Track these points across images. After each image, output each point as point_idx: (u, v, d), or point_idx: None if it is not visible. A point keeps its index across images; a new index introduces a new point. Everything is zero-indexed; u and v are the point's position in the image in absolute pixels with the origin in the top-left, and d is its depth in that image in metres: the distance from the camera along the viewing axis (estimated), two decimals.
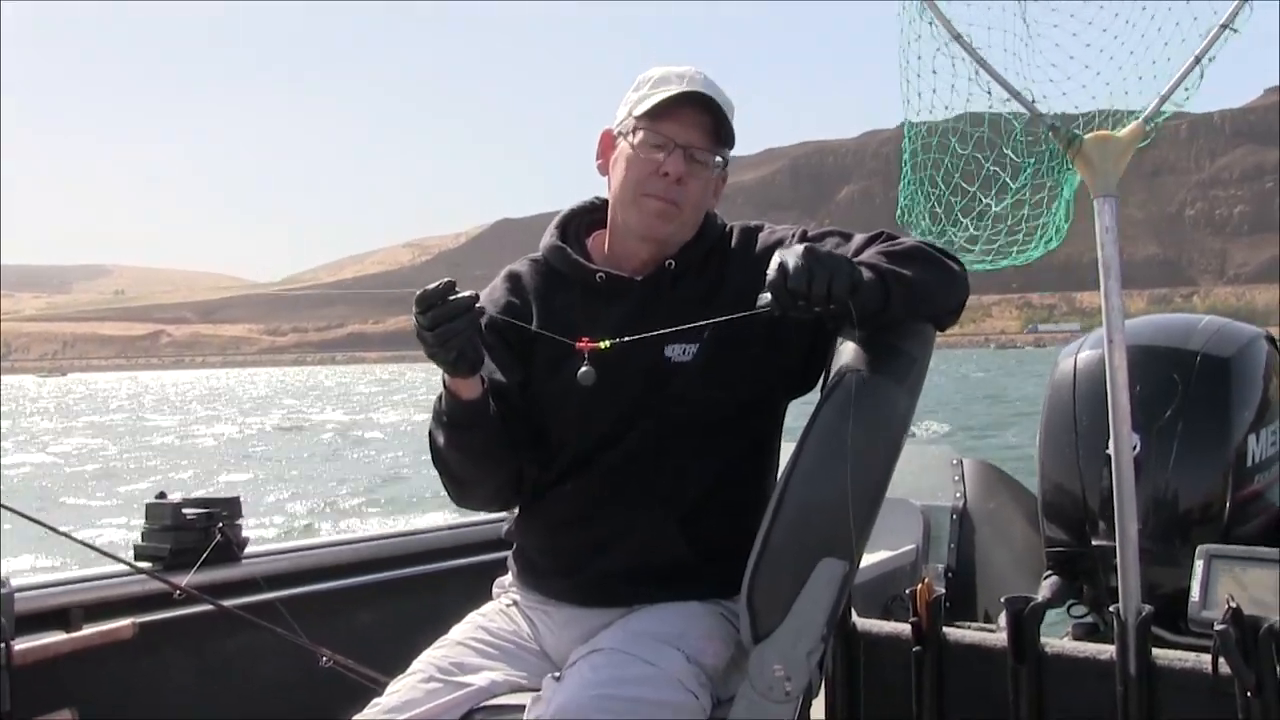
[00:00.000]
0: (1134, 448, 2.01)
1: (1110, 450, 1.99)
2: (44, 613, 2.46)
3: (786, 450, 1.90)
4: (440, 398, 1.91)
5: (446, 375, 1.85)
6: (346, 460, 25.74)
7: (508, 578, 2.15)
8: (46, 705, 2.35)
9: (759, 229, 2.08)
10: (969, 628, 2.32)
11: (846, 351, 1.86)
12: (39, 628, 2.42)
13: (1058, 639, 2.25)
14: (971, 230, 2.25)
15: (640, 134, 1.96)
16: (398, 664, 1.97)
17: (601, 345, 1.84)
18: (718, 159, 1.98)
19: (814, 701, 1.91)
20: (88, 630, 2.47)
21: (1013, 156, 2.12)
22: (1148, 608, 1.91)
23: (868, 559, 2.47)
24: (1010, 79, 2.03)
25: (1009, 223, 2.22)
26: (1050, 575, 2.71)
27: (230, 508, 2.83)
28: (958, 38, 2.02)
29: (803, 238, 2.01)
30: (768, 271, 1.70)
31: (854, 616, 2.34)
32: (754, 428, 2.02)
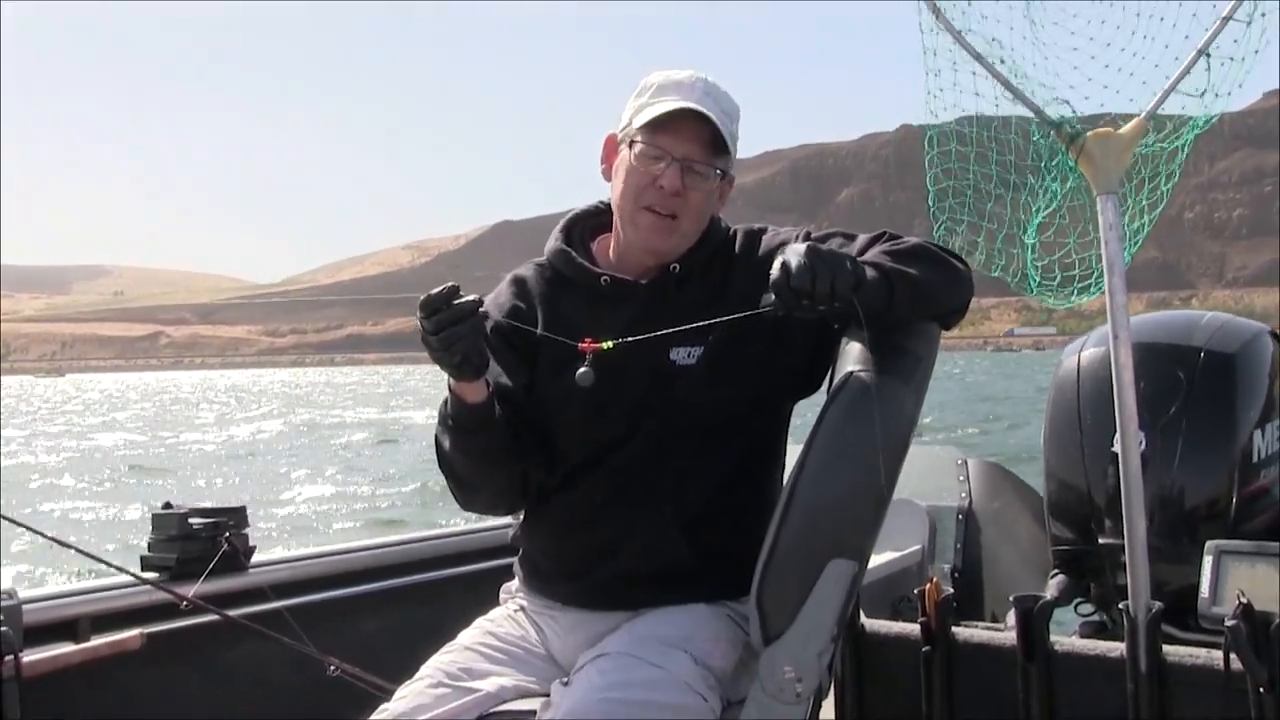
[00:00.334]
0: (1139, 445, 2.01)
1: (1115, 448, 1.99)
2: (52, 624, 2.46)
3: (793, 452, 1.90)
4: (445, 402, 1.91)
5: (451, 379, 1.85)
6: None
7: (514, 583, 2.15)
8: (56, 716, 2.35)
9: (762, 231, 2.08)
10: (977, 627, 2.32)
11: (852, 352, 1.85)
12: (47, 639, 2.42)
13: (1066, 637, 2.25)
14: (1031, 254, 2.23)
15: (639, 145, 1.96)
16: (405, 671, 1.96)
17: (604, 346, 1.84)
18: (718, 169, 1.98)
19: (823, 703, 1.90)
20: (95, 641, 2.46)
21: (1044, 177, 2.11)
22: (1157, 604, 1.91)
23: (874, 560, 2.47)
24: (1013, 80, 2.03)
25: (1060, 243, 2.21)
26: (1057, 574, 2.71)
27: (236, 517, 2.82)
28: (968, 48, 2.02)
29: (806, 239, 2.01)
30: (771, 271, 1.70)
31: (862, 617, 2.34)
32: (759, 430, 2.02)
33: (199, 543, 2.71)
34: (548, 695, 1.81)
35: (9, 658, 2.24)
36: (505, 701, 1.87)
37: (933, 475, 3.48)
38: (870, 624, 2.33)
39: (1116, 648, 1.98)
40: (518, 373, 1.99)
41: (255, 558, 2.84)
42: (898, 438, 1.80)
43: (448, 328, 1.73)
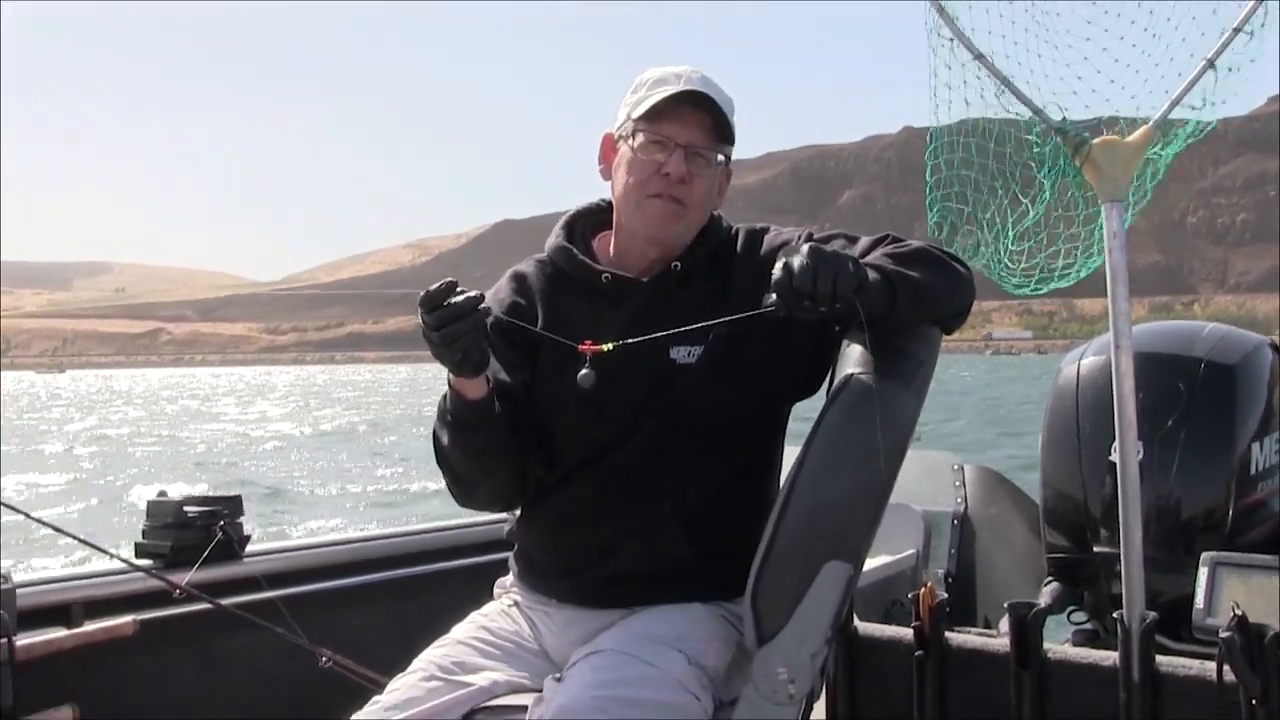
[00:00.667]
0: (1138, 454, 2.01)
1: (1113, 457, 1.99)
2: (46, 609, 2.46)
3: (790, 453, 1.90)
4: (445, 397, 1.90)
5: (451, 375, 1.84)
6: None
7: (509, 578, 2.14)
8: (48, 702, 2.35)
9: (765, 231, 2.08)
10: (970, 633, 2.31)
11: (852, 354, 1.85)
12: (41, 624, 2.42)
13: (1059, 645, 2.25)
14: (1005, 251, 2.23)
15: (640, 136, 1.96)
16: (398, 663, 1.96)
17: (605, 348, 1.83)
18: (719, 157, 1.98)
19: (815, 705, 1.90)
20: (89, 627, 2.46)
21: (1037, 174, 2.11)
22: (1151, 615, 1.91)
23: (869, 563, 2.46)
24: (1018, 84, 2.02)
25: (1044, 237, 2.21)
26: (1051, 581, 2.71)
27: (231, 506, 2.82)
28: (969, 47, 2.01)
29: (809, 239, 2.01)
30: (773, 271, 1.70)
31: (855, 620, 2.34)
32: (758, 430, 2.02)
33: (193, 531, 2.71)
34: (540, 691, 1.81)
35: (2, 641, 2.24)
36: (497, 696, 1.87)
37: (928, 479, 3.48)
38: (864, 627, 2.33)
39: (1110, 656, 1.98)
40: (518, 370, 1.99)
41: (250, 547, 2.84)
42: (897, 441, 1.80)
43: (449, 324, 1.72)
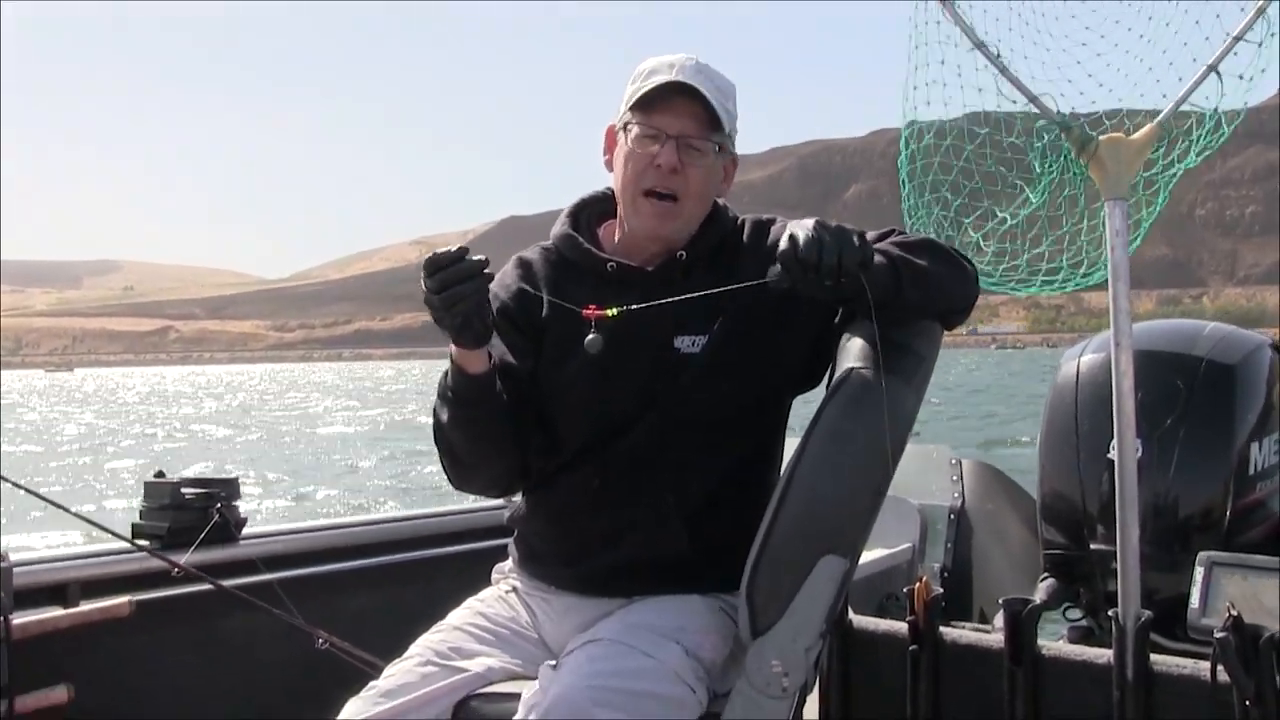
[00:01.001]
0: (1136, 452, 2.01)
1: (1112, 454, 1.99)
2: (42, 588, 2.47)
3: (790, 446, 1.90)
4: (446, 374, 1.89)
5: (454, 348, 1.83)
6: None
7: (507, 564, 2.14)
8: (43, 681, 2.35)
9: (772, 221, 2.07)
10: (965, 628, 2.32)
11: (853, 348, 1.85)
12: (37, 603, 2.43)
13: (1054, 642, 2.25)
14: (989, 250, 2.23)
15: (634, 128, 1.95)
16: (394, 648, 1.97)
17: (609, 313, 1.83)
18: (716, 145, 1.96)
19: (808, 698, 1.90)
20: (85, 606, 2.47)
21: (1036, 166, 2.11)
22: (1147, 613, 1.91)
23: (864, 556, 2.46)
24: (1023, 78, 2.02)
25: (1029, 239, 2.21)
26: (1047, 578, 2.71)
27: (228, 488, 2.83)
28: (971, 35, 2.01)
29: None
30: (779, 242, 1.71)
31: (850, 614, 2.34)
32: (760, 423, 2.02)
33: (190, 513, 2.72)
34: (535, 678, 1.81)
35: None
36: (493, 683, 1.88)
37: (925, 473, 3.48)
38: (858, 621, 2.33)
39: (1104, 654, 1.98)
40: (523, 354, 1.98)
41: (246, 529, 2.84)
42: (896, 436, 1.80)
43: (451, 287, 1.71)
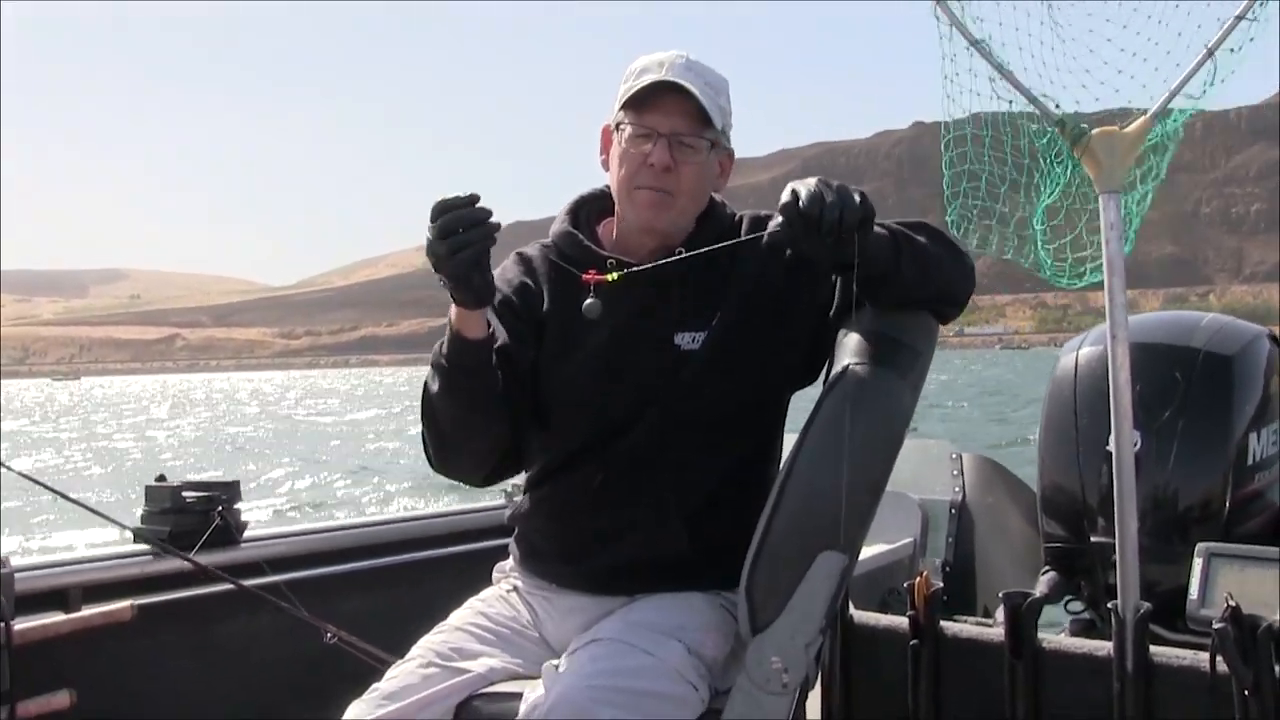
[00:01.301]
0: (1134, 445, 2.01)
1: (1111, 447, 1.99)
2: (43, 593, 2.47)
3: (789, 443, 1.90)
4: (440, 343, 1.86)
5: (452, 311, 1.81)
6: None
7: (508, 563, 2.15)
8: (45, 687, 2.36)
9: (769, 217, 2.08)
10: (966, 622, 2.32)
11: (850, 344, 1.85)
12: (38, 608, 2.43)
13: (1055, 635, 2.25)
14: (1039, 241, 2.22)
15: (627, 127, 1.96)
16: (396, 649, 1.97)
17: (610, 278, 1.84)
18: (709, 141, 1.96)
19: (810, 694, 1.91)
20: (87, 611, 2.47)
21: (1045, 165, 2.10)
22: (1146, 605, 1.91)
23: (865, 551, 2.47)
24: (1020, 76, 2.01)
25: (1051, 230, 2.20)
26: (1048, 571, 2.71)
27: (229, 491, 2.82)
28: (965, 34, 2.00)
29: None
30: (781, 197, 1.71)
31: (851, 609, 2.34)
32: (759, 420, 2.02)
33: (191, 516, 2.71)
34: (538, 677, 1.81)
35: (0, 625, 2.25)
36: (495, 683, 1.88)
37: (926, 468, 3.48)
38: (859, 616, 2.33)
39: (1104, 646, 1.98)
40: (523, 342, 1.97)
41: (248, 532, 2.84)
42: (893, 432, 1.81)
43: (455, 233, 1.69)
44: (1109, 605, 1.95)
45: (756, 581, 1.74)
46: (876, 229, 1.77)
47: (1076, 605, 2.71)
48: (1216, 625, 1.82)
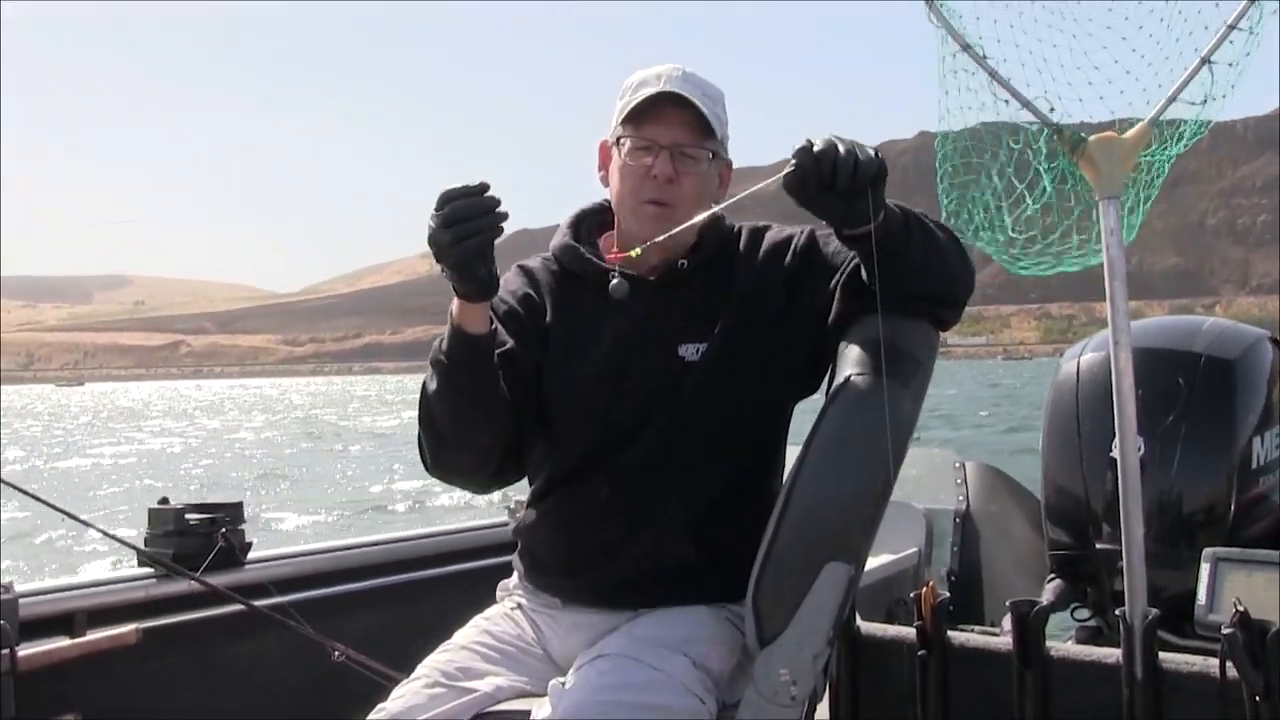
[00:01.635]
0: (1138, 451, 2.00)
1: (1114, 453, 1.99)
2: (48, 618, 2.46)
3: (792, 453, 1.90)
4: (440, 339, 1.83)
5: (454, 305, 1.79)
6: None
7: (512, 580, 2.14)
8: (51, 711, 2.35)
9: (767, 228, 2.08)
10: (973, 631, 2.31)
11: (852, 354, 1.86)
12: (43, 633, 2.42)
13: (1062, 642, 2.25)
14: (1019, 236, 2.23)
15: (627, 142, 1.96)
16: (401, 668, 1.96)
17: (633, 253, 1.84)
18: (709, 152, 1.96)
19: (818, 705, 1.90)
20: (92, 635, 2.46)
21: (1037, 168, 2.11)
22: (1154, 611, 1.91)
23: (870, 562, 2.47)
24: (1021, 87, 2.02)
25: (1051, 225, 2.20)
26: (1054, 578, 2.71)
27: (233, 512, 2.82)
28: (957, 37, 2.01)
29: (810, 237, 2.02)
30: (794, 146, 1.70)
31: (857, 620, 2.34)
32: (763, 429, 2.02)
33: (195, 538, 2.71)
34: (544, 695, 1.80)
35: (4, 651, 2.24)
36: (501, 701, 1.87)
37: (930, 477, 3.48)
38: (866, 627, 2.33)
39: (1112, 654, 1.98)
40: (528, 348, 1.96)
41: (251, 554, 2.84)
42: (897, 441, 1.80)
43: (460, 221, 1.66)
44: (1116, 612, 1.95)
45: (763, 593, 1.74)
46: (892, 208, 1.76)
47: (1083, 612, 2.70)
48: (1225, 631, 1.81)
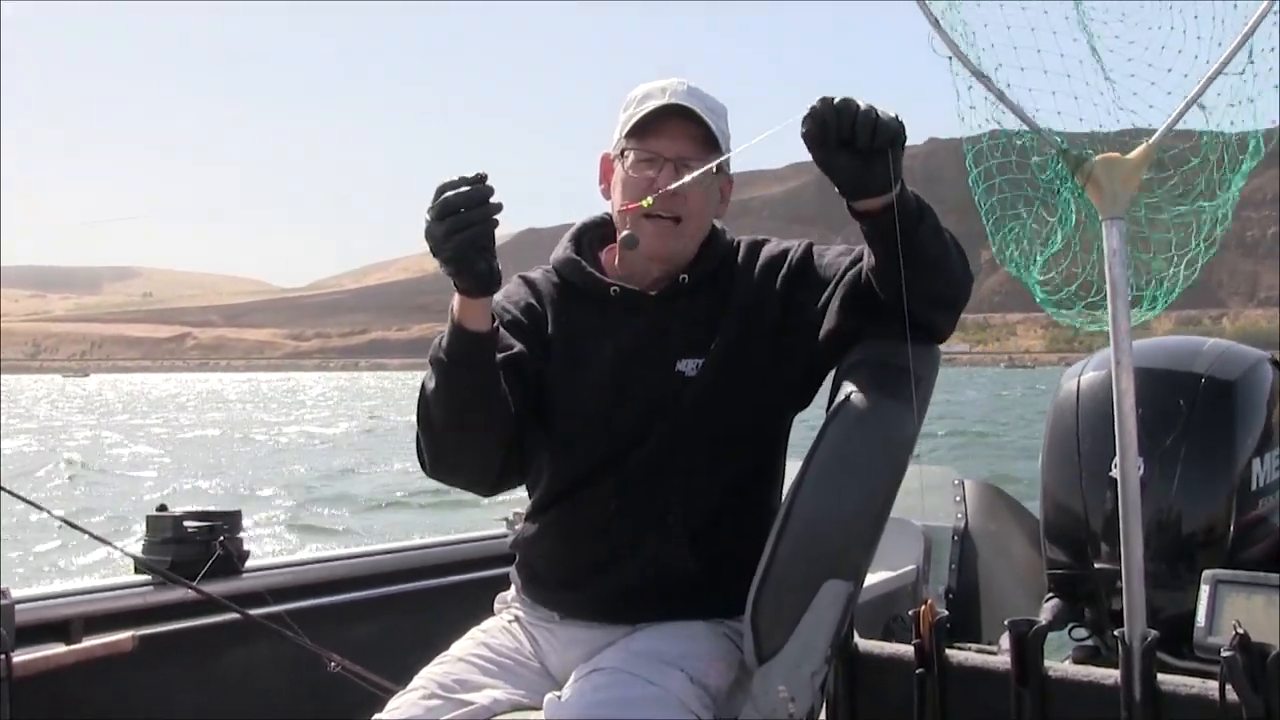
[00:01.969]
0: (1138, 470, 2.00)
1: (1114, 473, 1.98)
2: (44, 625, 2.46)
3: (792, 468, 1.90)
4: (440, 336, 1.81)
5: (455, 301, 1.77)
6: None
7: (510, 592, 2.14)
8: (46, 718, 2.34)
9: (765, 242, 2.09)
10: (971, 650, 2.31)
11: (853, 370, 1.86)
12: (39, 640, 2.42)
13: (1059, 662, 2.24)
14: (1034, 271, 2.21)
15: (631, 154, 1.96)
16: (398, 679, 1.96)
17: (644, 204, 1.85)
18: (713, 166, 1.96)
19: None
20: (88, 642, 2.46)
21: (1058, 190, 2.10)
22: (1153, 632, 1.90)
23: (869, 579, 2.46)
24: (1021, 99, 2.02)
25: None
26: (1052, 598, 2.70)
27: (231, 521, 2.82)
28: (956, 51, 2.01)
29: (807, 249, 2.02)
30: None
31: (855, 637, 2.33)
32: (761, 444, 2.02)
33: (193, 546, 2.70)
34: (540, 709, 1.80)
35: (0, 657, 2.23)
36: (497, 714, 1.87)
37: (929, 494, 3.47)
38: (864, 644, 2.32)
39: (1111, 674, 1.97)
40: (531, 353, 1.96)
41: (249, 562, 2.84)
42: (897, 458, 1.80)
43: (454, 213, 1.64)
44: (1115, 632, 1.94)
45: (762, 610, 1.73)
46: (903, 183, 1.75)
47: (1081, 632, 2.70)
48: (1225, 653, 1.81)
